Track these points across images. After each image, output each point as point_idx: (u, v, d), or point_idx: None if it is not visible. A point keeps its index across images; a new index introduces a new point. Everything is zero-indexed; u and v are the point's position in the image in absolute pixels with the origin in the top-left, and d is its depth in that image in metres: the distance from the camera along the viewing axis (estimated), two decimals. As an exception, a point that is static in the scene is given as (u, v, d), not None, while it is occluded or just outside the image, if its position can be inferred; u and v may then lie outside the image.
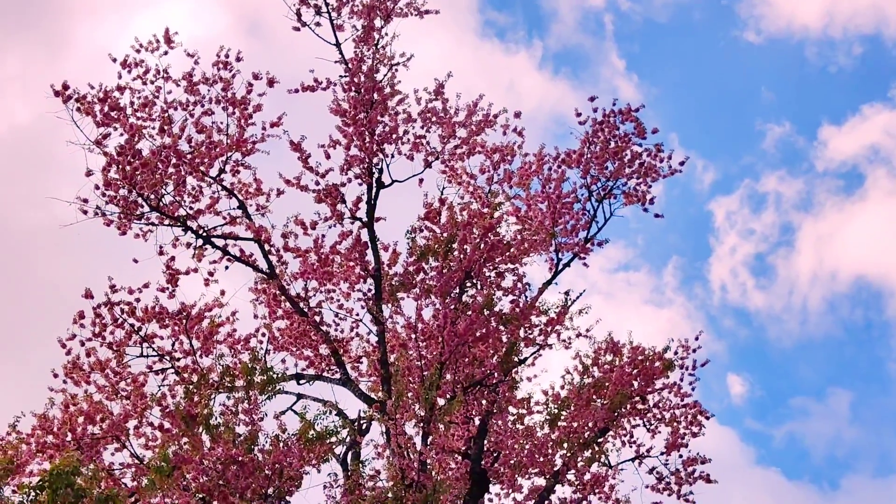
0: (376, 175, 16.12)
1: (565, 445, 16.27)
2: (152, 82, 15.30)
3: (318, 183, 15.98)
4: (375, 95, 15.78)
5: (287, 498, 13.41)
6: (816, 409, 43.05)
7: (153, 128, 15.25)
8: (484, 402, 16.01)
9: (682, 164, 17.21)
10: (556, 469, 16.20)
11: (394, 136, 16.10)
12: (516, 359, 16.34)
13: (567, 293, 16.76)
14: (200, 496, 12.98)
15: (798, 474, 42.03)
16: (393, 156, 16.23)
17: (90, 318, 15.44)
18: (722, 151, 45.10)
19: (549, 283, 17.17)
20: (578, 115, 17.07)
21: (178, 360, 15.84)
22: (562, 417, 16.67)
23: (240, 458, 13.00)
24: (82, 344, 15.40)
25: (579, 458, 16.16)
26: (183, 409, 13.69)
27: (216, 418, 13.75)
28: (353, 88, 15.83)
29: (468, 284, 15.86)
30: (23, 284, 37.17)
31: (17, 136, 38.21)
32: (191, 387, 14.46)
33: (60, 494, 11.92)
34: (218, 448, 13.09)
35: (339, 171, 15.97)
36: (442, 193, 16.22)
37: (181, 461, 12.92)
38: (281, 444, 13.40)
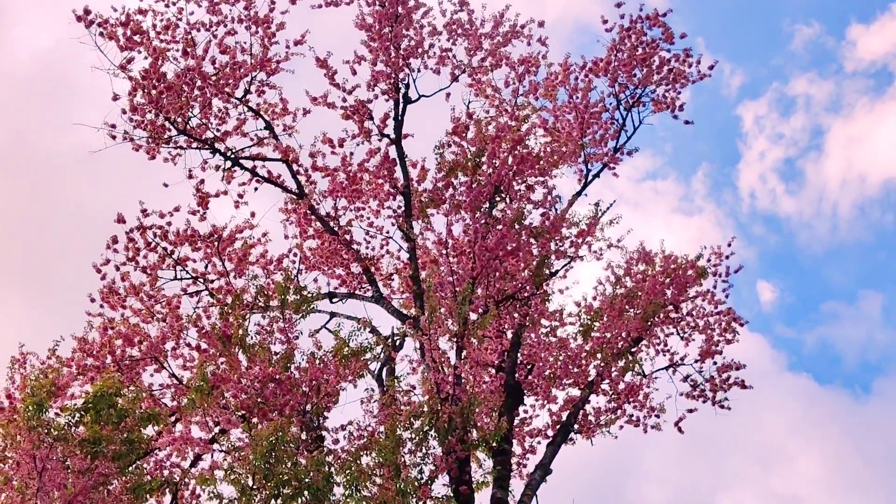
0: (403, 90, 15.97)
1: (599, 356, 16.29)
2: (174, 4, 15.09)
3: (344, 100, 15.88)
4: (400, 9, 15.54)
5: (325, 414, 13.56)
6: (848, 312, 42.94)
7: (177, 50, 15.12)
8: (516, 315, 16.06)
9: (710, 68, 16.92)
10: (590, 379, 16.24)
11: (419, 49, 15.91)
12: (548, 271, 16.34)
13: (597, 204, 16.71)
14: (240, 414, 13.16)
15: (830, 379, 42.13)
16: (419, 70, 16.09)
17: (123, 243, 15.53)
18: (750, 55, 44.33)
19: (578, 194, 17.11)
20: (605, 22, 16.78)
21: (212, 281, 15.97)
22: (595, 328, 16.68)
23: (277, 377, 13.13)
24: (117, 269, 15.51)
25: (613, 368, 16.18)
26: (219, 330, 13.80)
27: (252, 338, 13.86)
28: (378, 2, 15.60)
29: (498, 199, 15.80)
30: (53, 211, 37.41)
31: (39, 62, 38.09)
32: (225, 308, 14.56)
33: (104, 415, 12.17)
34: (255, 367, 13.22)
35: (366, 88, 15.85)
36: (468, 108, 16.09)
37: (220, 380, 13.07)
38: (317, 362, 13.50)
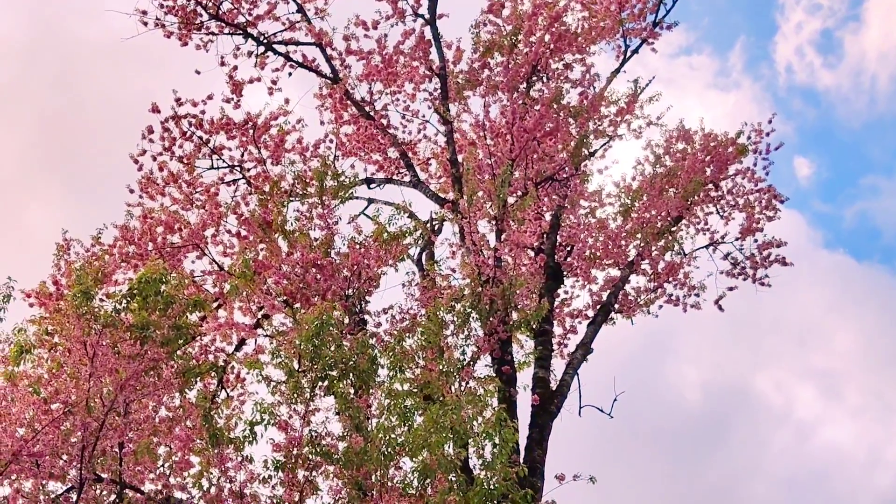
0: (437, -34, 15.62)
1: (639, 236, 16.22)
2: None
3: (377, -21, 15.55)
4: None
5: (367, 298, 13.63)
6: (887, 185, 42.35)
7: (205, -69, 14.82)
8: (555, 196, 15.94)
9: (752, -62, 16.37)
10: (630, 259, 16.21)
11: (452, -77, 15.50)
12: (586, 152, 16.17)
13: (636, 81, 16.39)
14: (283, 299, 13.25)
15: (868, 254, 41.78)
16: (453, -55, 15.69)
17: (158, 133, 15.45)
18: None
19: (617, 71, 16.80)
20: None
21: (249, 170, 15.89)
22: (634, 208, 16.58)
23: (318, 262, 13.17)
24: (154, 159, 15.47)
25: (653, 248, 16.10)
26: (258, 217, 13.80)
27: (291, 224, 13.87)
28: None
29: (535, 78, 15.53)
30: (85, 101, 37.24)
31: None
32: (264, 195, 14.54)
33: (151, 301, 12.29)
34: (296, 253, 13.26)
35: (399, -35, 15.50)
36: (504, -17, 15.70)
37: (262, 267, 13.13)
38: (357, 247, 13.52)
